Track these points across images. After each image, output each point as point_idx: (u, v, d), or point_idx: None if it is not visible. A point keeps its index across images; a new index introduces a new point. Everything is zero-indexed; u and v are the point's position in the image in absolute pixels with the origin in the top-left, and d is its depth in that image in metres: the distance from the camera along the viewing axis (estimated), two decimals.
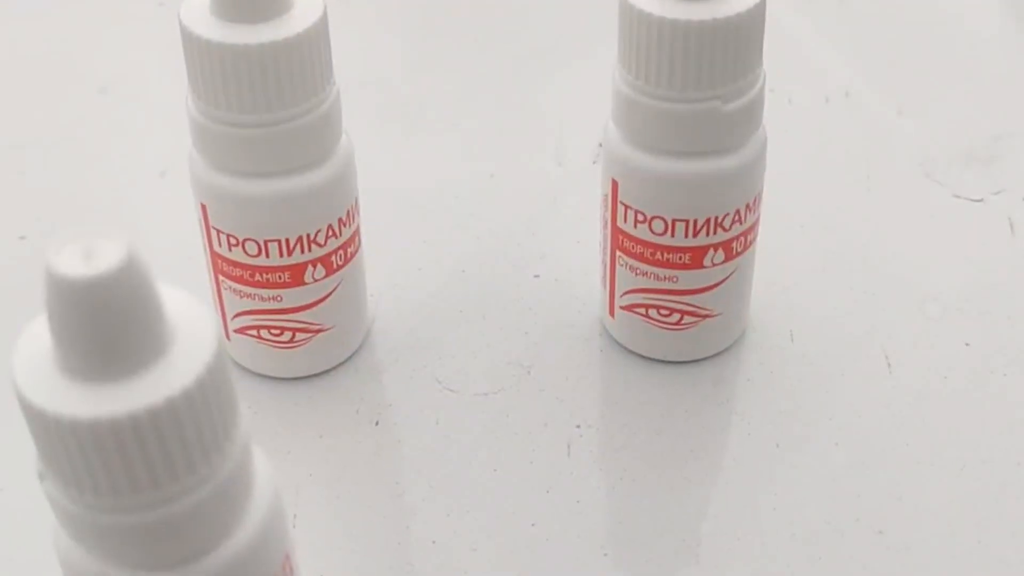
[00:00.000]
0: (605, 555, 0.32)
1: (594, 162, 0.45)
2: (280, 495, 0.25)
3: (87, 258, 0.20)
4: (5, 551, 0.33)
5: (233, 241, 0.34)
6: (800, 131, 0.46)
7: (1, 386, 0.23)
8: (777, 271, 0.40)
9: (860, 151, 0.45)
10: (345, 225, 0.34)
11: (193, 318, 0.22)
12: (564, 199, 0.43)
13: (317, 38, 0.31)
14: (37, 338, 0.21)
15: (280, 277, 0.34)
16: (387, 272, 0.40)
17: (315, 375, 0.37)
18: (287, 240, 0.33)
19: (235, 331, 0.36)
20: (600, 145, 0.40)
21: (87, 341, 0.20)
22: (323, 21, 0.31)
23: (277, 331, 0.35)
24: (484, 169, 0.45)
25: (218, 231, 0.34)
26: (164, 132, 0.44)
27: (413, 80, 0.50)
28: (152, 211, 0.43)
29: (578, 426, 0.35)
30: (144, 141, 0.46)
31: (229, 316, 0.36)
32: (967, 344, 0.38)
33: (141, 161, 0.46)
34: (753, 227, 0.35)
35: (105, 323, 0.20)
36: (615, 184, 0.34)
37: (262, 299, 0.35)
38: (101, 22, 0.53)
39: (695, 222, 0.34)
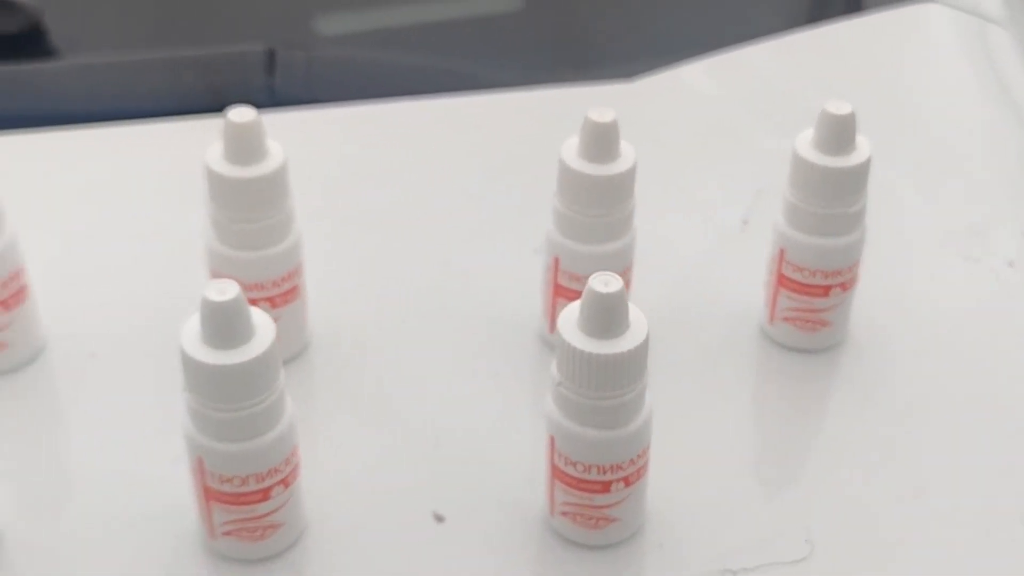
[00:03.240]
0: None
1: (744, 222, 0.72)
2: (294, 413, 0.51)
3: (220, 292, 0.47)
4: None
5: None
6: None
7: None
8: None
9: None
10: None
11: (263, 322, 0.48)
12: None
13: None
14: (193, 326, 0.48)
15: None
16: None
17: None
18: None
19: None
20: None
21: (219, 329, 0.47)
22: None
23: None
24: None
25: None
26: None
27: None
28: None
29: None
30: None
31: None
32: None
33: None
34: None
35: (228, 321, 0.47)
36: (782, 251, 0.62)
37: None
38: None
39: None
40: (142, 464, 0.57)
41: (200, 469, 0.51)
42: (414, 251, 0.70)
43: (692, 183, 0.76)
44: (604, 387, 0.50)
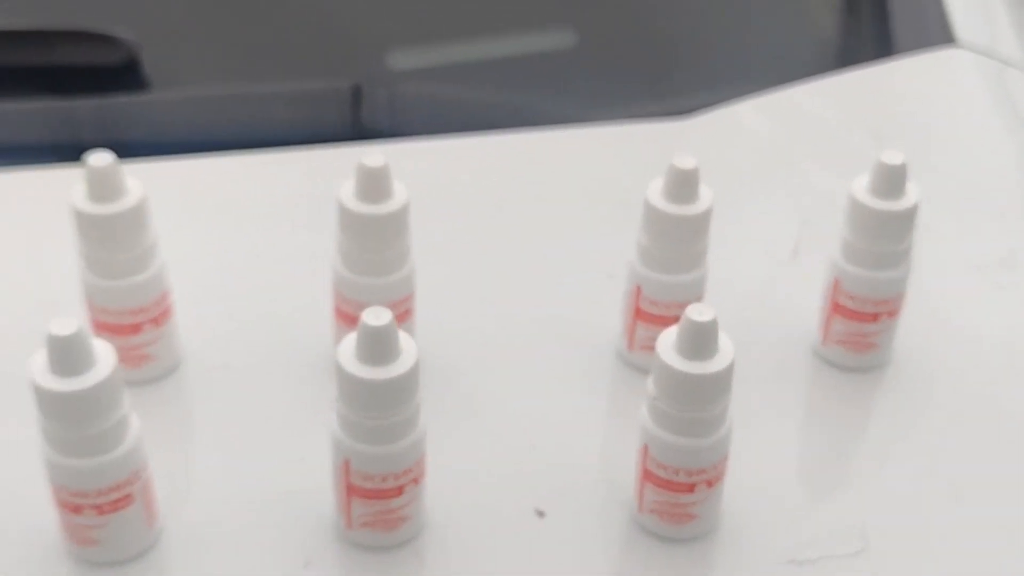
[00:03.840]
0: None
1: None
2: (426, 422, 0.58)
3: (377, 318, 0.55)
4: None
5: None
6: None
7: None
8: None
9: None
10: None
11: (408, 343, 0.56)
12: None
13: None
14: (349, 345, 0.56)
15: None
16: None
17: None
18: None
19: None
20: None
21: (375, 348, 0.55)
22: None
23: None
24: None
25: None
26: None
27: None
28: None
29: None
30: None
31: None
32: None
33: None
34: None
35: (383, 341, 0.55)
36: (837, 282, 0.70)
37: None
38: None
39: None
40: (272, 460, 0.66)
41: (346, 469, 0.59)
42: (497, 277, 0.78)
43: (746, 215, 0.84)
44: (696, 402, 0.58)
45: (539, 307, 0.76)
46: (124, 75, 0.96)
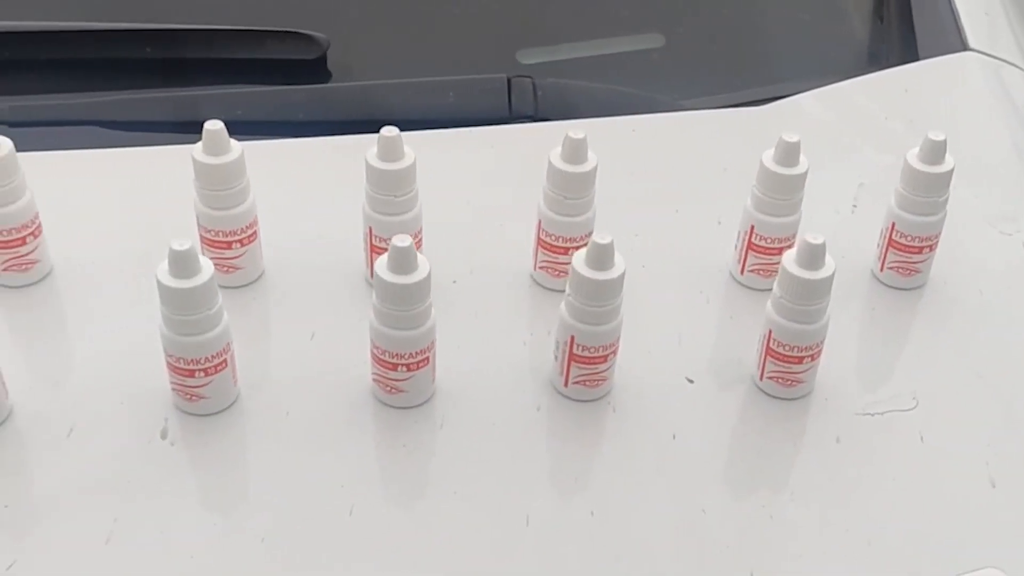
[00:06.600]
0: None
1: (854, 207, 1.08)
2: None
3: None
4: None
5: None
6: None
7: None
8: None
9: None
10: None
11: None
12: None
13: None
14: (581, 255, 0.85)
15: None
16: None
17: None
18: None
19: None
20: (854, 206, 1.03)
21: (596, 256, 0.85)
22: None
23: None
24: None
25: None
26: None
27: None
28: None
29: None
30: None
31: None
32: None
33: None
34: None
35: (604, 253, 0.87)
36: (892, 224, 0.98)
37: None
38: None
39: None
40: (327, 348, 0.92)
41: (571, 343, 0.87)
42: (637, 222, 1.05)
43: (814, 179, 1.12)
44: (810, 298, 0.86)
45: (669, 243, 1.04)
46: (317, 67, 1.22)
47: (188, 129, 1.05)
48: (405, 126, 0.96)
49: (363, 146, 0.95)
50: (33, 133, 1.07)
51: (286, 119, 1.19)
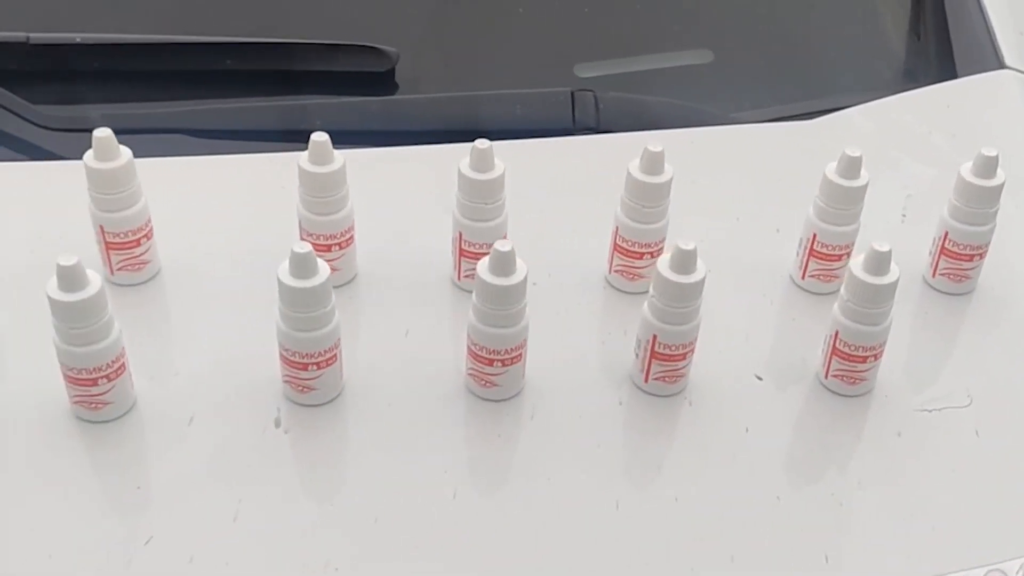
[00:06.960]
0: None
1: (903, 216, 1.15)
2: None
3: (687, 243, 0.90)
4: None
5: None
6: None
7: None
8: None
9: None
10: None
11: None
12: None
13: None
14: (664, 261, 0.92)
15: None
16: None
17: None
18: None
19: None
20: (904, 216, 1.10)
21: (680, 262, 0.91)
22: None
23: None
24: None
25: None
26: None
27: None
28: None
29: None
30: None
31: None
32: None
33: None
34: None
35: (687, 259, 0.91)
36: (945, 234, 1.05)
37: None
38: None
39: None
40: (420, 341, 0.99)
41: (653, 341, 0.93)
42: (702, 227, 1.11)
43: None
44: (876, 302, 0.93)
45: (732, 249, 1.10)
46: (387, 79, 1.28)
47: (268, 137, 1.16)
48: (471, 137, 1.01)
49: (442, 155, 1.02)
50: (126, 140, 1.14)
51: (362, 129, 1.25)
